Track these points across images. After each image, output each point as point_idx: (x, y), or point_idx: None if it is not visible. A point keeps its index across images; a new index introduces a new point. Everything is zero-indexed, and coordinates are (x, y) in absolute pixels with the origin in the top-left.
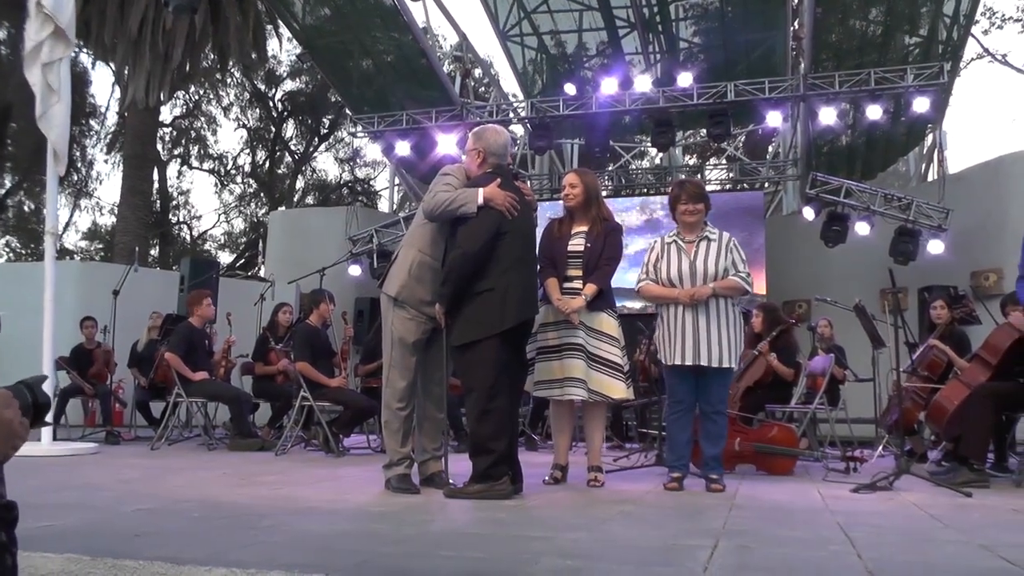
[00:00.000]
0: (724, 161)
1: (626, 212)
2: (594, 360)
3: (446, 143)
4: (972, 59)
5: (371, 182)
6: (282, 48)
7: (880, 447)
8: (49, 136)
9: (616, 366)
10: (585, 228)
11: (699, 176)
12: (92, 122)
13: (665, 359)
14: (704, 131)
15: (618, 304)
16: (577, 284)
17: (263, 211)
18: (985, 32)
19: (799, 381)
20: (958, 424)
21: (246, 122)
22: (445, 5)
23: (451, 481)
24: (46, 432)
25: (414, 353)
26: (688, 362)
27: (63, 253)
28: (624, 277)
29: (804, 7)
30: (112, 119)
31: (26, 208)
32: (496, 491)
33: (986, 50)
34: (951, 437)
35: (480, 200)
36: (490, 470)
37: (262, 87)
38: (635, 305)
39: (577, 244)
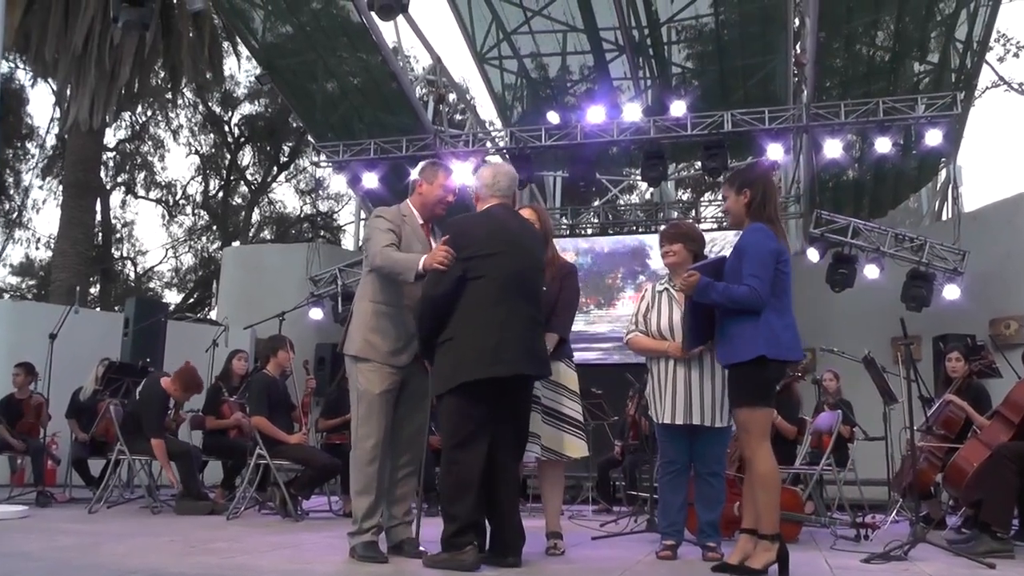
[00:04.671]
0: (720, 197)
1: (619, 254)
2: (549, 414)
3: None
4: (987, 88)
5: (335, 216)
6: (240, 68)
7: (893, 512)
8: None
9: (575, 421)
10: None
11: (693, 213)
12: (29, 145)
13: (656, 417)
14: (699, 164)
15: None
16: None
17: (215, 246)
18: (1000, 60)
19: (803, 439)
20: (978, 488)
21: (198, 147)
22: (417, 24)
23: (422, 547)
24: None
25: (382, 407)
26: (680, 421)
27: None
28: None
29: (806, 30)
30: (51, 142)
31: None
32: (457, 561)
33: (1001, 78)
34: (971, 502)
35: (420, 268)
36: (453, 539)
37: (217, 109)
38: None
39: None
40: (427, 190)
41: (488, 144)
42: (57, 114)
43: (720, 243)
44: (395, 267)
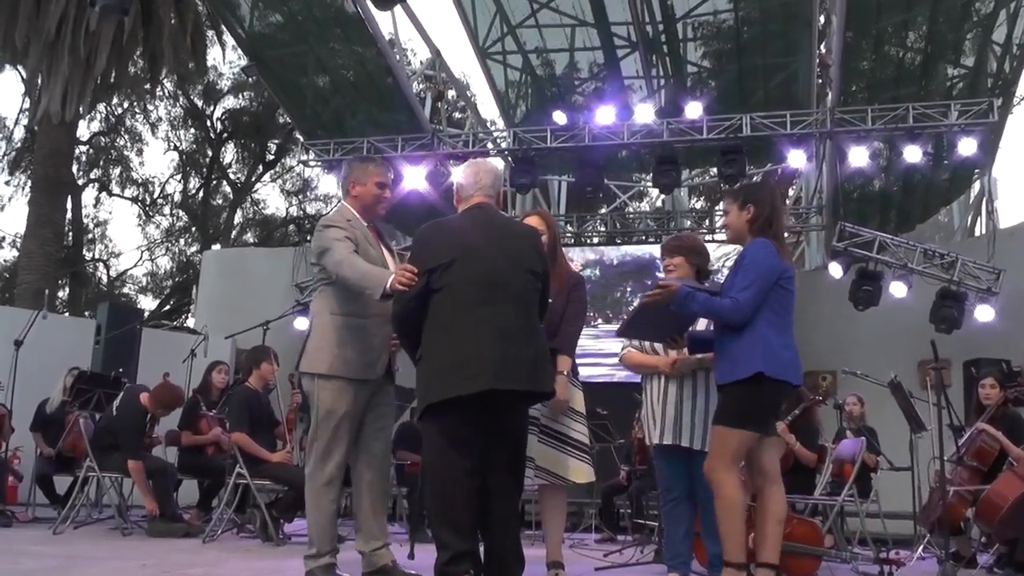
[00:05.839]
0: (722, 210)
1: (628, 265)
2: (548, 435)
3: (413, 176)
4: None
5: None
6: (224, 58)
7: (920, 548)
8: None
9: (578, 444)
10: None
11: (707, 222)
12: None
13: (648, 438)
14: (714, 171)
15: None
16: None
17: (194, 249)
18: None
19: (824, 468)
20: (1013, 524)
21: (178, 143)
22: (416, 15)
23: (412, 572)
24: None
25: (348, 426)
26: (667, 440)
27: None
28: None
29: (832, 29)
30: (20, 134)
31: None
32: None
33: None
34: (1005, 539)
35: (387, 287)
36: (446, 567)
37: (199, 103)
38: None
39: None
40: (361, 191)
41: (489, 145)
42: (27, 104)
43: (732, 257)
44: (362, 280)
